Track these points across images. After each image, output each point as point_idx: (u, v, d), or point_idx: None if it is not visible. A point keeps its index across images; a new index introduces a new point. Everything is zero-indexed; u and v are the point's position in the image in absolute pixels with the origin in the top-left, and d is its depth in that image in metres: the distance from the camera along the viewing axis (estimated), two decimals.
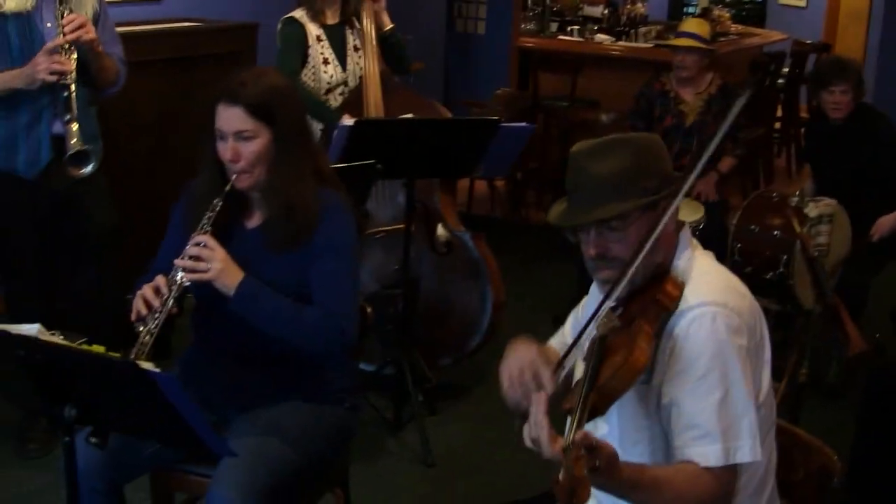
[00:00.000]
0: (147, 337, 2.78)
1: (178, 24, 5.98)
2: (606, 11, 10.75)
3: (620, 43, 9.22)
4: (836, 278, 4.84)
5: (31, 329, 2.38)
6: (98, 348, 2.31)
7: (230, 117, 2.89)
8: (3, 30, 3.98)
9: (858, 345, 4.24)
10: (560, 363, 2.41)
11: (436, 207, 4.85)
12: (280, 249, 2.95)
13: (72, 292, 4.41)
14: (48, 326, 2.45)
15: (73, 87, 3.89)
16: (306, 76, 4.92)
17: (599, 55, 8.79)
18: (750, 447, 2.26)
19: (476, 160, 4.40)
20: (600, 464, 1.98)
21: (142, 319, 2.82)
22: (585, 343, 2.33)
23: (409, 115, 4.51)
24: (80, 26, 3.91)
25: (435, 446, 4.44)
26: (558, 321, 2.93)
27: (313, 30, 4.93)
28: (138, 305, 2.84)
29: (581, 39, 9.40)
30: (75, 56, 3.91)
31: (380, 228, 4.73)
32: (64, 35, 3.88)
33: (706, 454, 2.24)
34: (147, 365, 2.22)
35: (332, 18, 5.00)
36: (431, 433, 4.49)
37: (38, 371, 2.39)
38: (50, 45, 3.88)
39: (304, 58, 4.90)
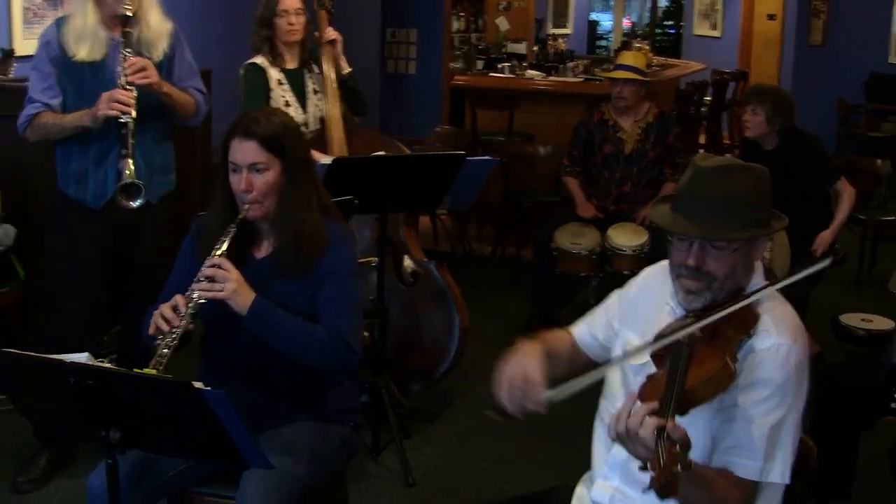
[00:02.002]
0: (165, 350, 2.96)
1: None
2: (536, 48, 11.05)
3: (551, 78, 9.49)
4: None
5: (80, 357, 2.57)
6: (149, 371, 2.50)
7: (245, 150, 3.11)
8: (79, 75, 4.23)
9: (812, 348, 4.50)
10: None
11: (401, 240, 5.08)
12: (289, 275, 3.16)
13: (125, 317, 4.61)
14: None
15: (130, 124, 4.08)
16: None
17: (532, 90, 9.05)
18: (781, 471, 2.47)
19: (444, 193, 4.64)
20: (693, 465, 2.16)
21: (160, 334, 3.02)
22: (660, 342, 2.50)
23: (381, 153, 4.74)
24: (141, 69, 4.12)
25: (414, 467, 4.64)
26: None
27: (274, 74, 5.13)
28: (157, 321, 3.02)
29: (513, 76, 9.66)
30: (134, 95, 4.09)
31: None
32: (125, 77, 4.09)
33: (745, 467, 2.44)
34: (198, 384, 2.41)
35: (291, 63, 5.20)
36: (409, 455, 4.68)
37: (85, 396, 2.55)
38: (114, 91, 4.09)
39: (266, 101, 5.09)
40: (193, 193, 6.15)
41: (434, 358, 5.10)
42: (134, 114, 4.09)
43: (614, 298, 2.97)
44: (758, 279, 2.66)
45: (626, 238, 6.11)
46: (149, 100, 4.22)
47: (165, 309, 3.02)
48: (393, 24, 10.95)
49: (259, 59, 5.14)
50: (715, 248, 2.53)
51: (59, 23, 4.32)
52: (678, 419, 2.22)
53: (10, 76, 5.35)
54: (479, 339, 5.83)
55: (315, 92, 5.23)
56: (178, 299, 3.03)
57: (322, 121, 5.18)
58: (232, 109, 4.96)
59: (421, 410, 5.22)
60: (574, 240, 6.22)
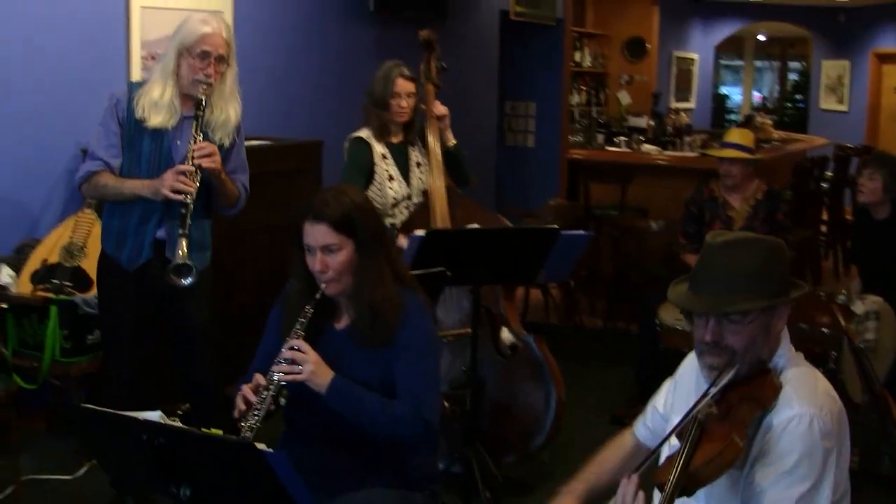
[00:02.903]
0: (248, 432, 3.04)
1: (248, 143, 6.30)
2: (652, 122, 11.02)
3: (667, 152, 9.48)
4: (887, 371, 5.02)
5: (153, 415, 2.67)
6: (216, 432, 2.58)
7: (317, 233, 3.19)
8: (139, 140, 4.36)
9: None
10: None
11: (500, 312, 5.11)
12: (366, 348, 3.22)
13: (192, 392, 4.71)
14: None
15: (190, 206, 4.20)
16: (373, 192, 5.19)
17: (647, 165, 9.04)
18: None
19: (538, 266, 4.67)
20: None
21: (243, 416, 3.10)
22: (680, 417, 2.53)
23: (475, 226, 4.80)
24: (209, 154, 4.26)
25: None
26: (616, 421, 3.12)
27: (379, 148, 5.23)
28: (239, 403, 3.11)
29: (629, 150, 9.66)
30: (199, 177, 4.23)
31: (447, 332, 4.96)
32: (193, 160, 4.22)
33: None
34: (261, 445, 2.48)
35: (396, 137, 5.31)
36: None
37: (157, 454, 2.64)
38: (181, 167, 4.22)
39: (370, 175, 5.20)
40: None
41: (529, 430, 5.10)
42: (194, 196, 4.21)
43: (665, 386, 3.01)
44: (783, 350, 2.66)
45: None
46: (202, 179, 4.31)
47: (247, 390, 3.11)
48: (512, 97, 11.06)
49: (364, 133, 5.25)
50: (731, 321, 2.55)
51: (133, 87, 4.46)
52: (687, 500, 2.22)
53: None
54: (581, 412, 5.80)
55: (418, 165, 5.31)
56: (260, 380, 3.12)
57: (425, 193, 5.26)
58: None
59: (516, 483, 5.20)
60: (679, 315, 6.16)
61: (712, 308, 2.57)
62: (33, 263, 5.27)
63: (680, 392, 2.85)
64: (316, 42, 7.47)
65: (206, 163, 4.24)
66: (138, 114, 4.34)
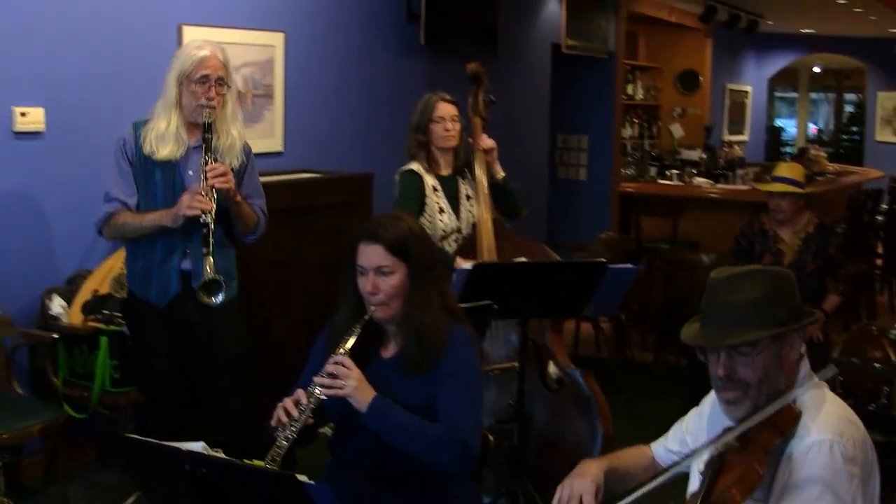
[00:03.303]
0: (284, 442, 3.07)
1: (298, 175, 6.39)
2: (704, 155, 10.99)
3: (719, 186, 9.45)
4: None
5: (196, 446, 2.68)
6: (258, 462, 2.59)
7: (371, 254, 3.21)
8: (151, 175, 4.43)
9: None
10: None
11: (547, 346, 5.09)
12: (410, 374, 3.23)
13: (209, 412, 4.74)
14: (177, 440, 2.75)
15: (211, 224, 4.26)
16: (423, 223, 5.19)
17: (699, 198, 9.01)
18: None
19: (585, 300, 4.65)
20: None
21: (280, 426, 3.11)
22: (704, 455, 2.53)
23: (522, 259, 4.79)
24: (222, 174, 4.31)
25: None
26: None
27: (430, 181, 5.24)
28: (279, 414, 3.13)
29: (681, 183, 9.63)
30: (215, 198, 4.29)
31: (494, 366, 4.94)
32: (206, 179, 4.28)
33: None
34: (303, 477, 2.49)
35: (445, 170, 5.32)
36: None
37: (200, 484, 2.64)
38: (195, 186, 4.29)
39: (421, 207, 5.22)
40: None
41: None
42: (213, 214, 4.26)
43: (691, 415, 3.02)
44: (803, 379, 2.65)
45: None
46: (219, 205, 4.36)
47: (288, 402, 3.13)
48: (563, 129, 11.07)
49: (415, 166, 5.26)
50: (741, 354, 2.55)
51: (138, 125, 4.50)
52: None
53: None
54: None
55: (468, 198, 5.32)
56: (300, 394, 3.14)
57: (474, 226, 5.27)
58: None
59: None
60: None
61: (719, 342, 2.57)
62: (84, 294, 5.33)
63: (707, 425, 2.84)
64: (366, 75, 7.52)
65: (219, 182, 4.29)
66: (146, 149, 4.41)
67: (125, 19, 5.76)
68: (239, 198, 4.46)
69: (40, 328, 5.34)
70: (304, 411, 3.10)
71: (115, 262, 5.39)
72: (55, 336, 5.17)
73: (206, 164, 4.31)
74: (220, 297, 4.33)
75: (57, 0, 5.43)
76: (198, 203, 4.24)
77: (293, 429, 3.08)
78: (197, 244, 4.34)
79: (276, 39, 6.56)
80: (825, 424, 2.50)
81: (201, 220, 4.26)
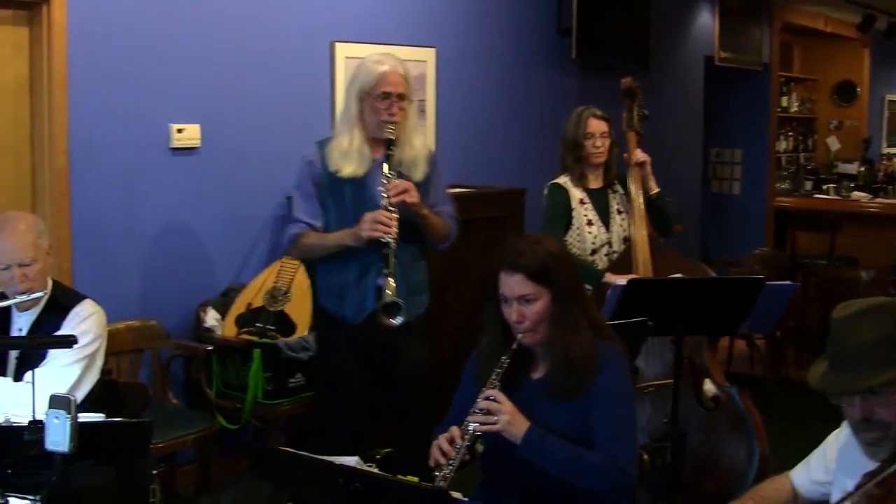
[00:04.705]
0: (442, 482, 3.05)
1: (450, 191, 6.38)
2: (862, 168, 10.73)
3: (878, 200, 9.21)
4: None
5: (350, 460, 2.70)
6: (412, 479, 2.59)
7: (513, 284, 3.18)
8: (340, 192, 4.45)
9: None
10: None
11: (703, 363, 5.00)
12: (561, 398, 3.19)
13: (397, 439, 4.75)
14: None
15: (392, 244, 4.24)
16: (571, 237, 5.18)
17: (857, 212, 8.78)
18: None
19: (742, 317, 4.55)
20: None
21: (438, 466, 3.11)
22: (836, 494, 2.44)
23: (678, 275, 4.72)
24: (404, 191, 4.29)
25: None
26: None
27: (577, 194, 5.22)
28: (435, 454, 3.12)
29: (838, 197, 9.42)
30: (397, 216, 4.26)
31: (648, 383, 4.89)
32: (388, 198, 4.27)
33: None
34: (456, 494, 2.48)
35: (594, 183, 5.29)
36: None
37: (352, 499, 2.64)
38: (378, 213, 4.26)
39: (568, 220, 5.19)
40: None
41: (730, 484, 4.94)
42: (396, 234, 4.23)
43: (832, 441, 2.90)
44: None
45: None
46: (406, 220, 4.34)
47: (443, 441, 3.12)
48: (717, 143, 10.91)
49: (562, 180, 5.25)
50: (877, 394, 2.45)
51: (322, 144, 4.52)
52: None
53: None
54: (781, 469, 5.61)
55: (619, 212, 5.28)
56: (455, 432, 3.13)
57: (626, 241, 5.22)
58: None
59: None
60: None
61: (852, 386, 2.48)
62: (238, 307, 5.43)
63: (851, 454, 2.72)
64: (518, 90, 7.52)
65: (405, 198, 4.27)
66: (332, 167, 4.42)
67: (279, 37, 5.87)
68: (425, 211, 4.44)
69: (195, 340, 5.47)
70: (460, 450, 3.09)
71: (269, 276, 5.48)
72: (209, 348, 5.28)
73: (388, 181, 4.30)
74: (399, 319, 4.31)
75: (211, 18, 5.57)
76: (379, 225, 4.23)
77: (450, 467, 3.07)
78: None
79: (427, 55, 6.60)
80: None
81: (382, 239, 4.25)
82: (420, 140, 4.56)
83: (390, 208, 4.25)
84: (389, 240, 4.24)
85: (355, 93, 4.43)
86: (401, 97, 4.40)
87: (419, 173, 4.50)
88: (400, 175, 4.39)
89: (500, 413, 3.11)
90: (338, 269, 4.50)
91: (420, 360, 4.60)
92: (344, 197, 4.45)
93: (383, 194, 4.28)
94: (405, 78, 4.45)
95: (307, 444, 4.99)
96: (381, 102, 4.37)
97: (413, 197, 4.32)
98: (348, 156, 4.41)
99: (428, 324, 4.70)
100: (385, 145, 4.38)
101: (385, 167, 4.34)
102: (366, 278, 4.43)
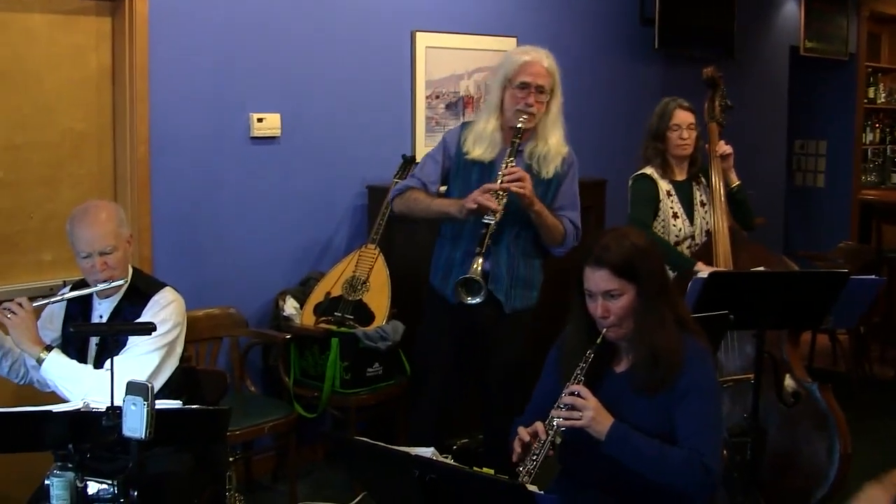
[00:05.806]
0: (525, 477, 3.04)
1: None
2: None
3: None
4: None
5: (426, 451, 2.70)
6: (487, 471, 2.58)
7: (598, 279, 3.15)
8: (469, 174, 4.53)
9: None
10: None
11: (784, 358, 4.92)
12: (646, 393, 3.16)
13: (487, 427, 4.80)
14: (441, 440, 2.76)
15: (491, 226, 4.25)
16: (656, 228, 5.14)
17: None
18: None
19: (825, 312, 4.47)
20: None
21: (521, 461, 3.09)
22: None
23: (761, 269, 4.65)
24: (517, 179, 4.30)
25: None
26: None
27: (663, 185, 5.18)
28: (518, 448, 3.11)
29: None
30: (504, 201, 4.27)
31: (728, 378, 4.82)
32: (501, 181, 4.29)
33: None
34: (532, 488, 2.46)
35: (680, 175, 5.24)
36: None
37: (428, 489, 2.66)
38: (487, 186, 4.29)
39: (654, 211, 5.15)
40: None
41: (811, 482, 4.87)
42: (498, 217, 4.24)
43: None
44: None
45: None
46: (521, 211, 4.36)
47: (525, 435, 3.11)
48: (801, 135, 10.75)
49: (649, 170, 5.20)
50: None
51: (465, 126, 4.62)
52: None
53: None
54: (867, 467, 5.47)
55: (702, 204, 5.22)
56: (539, 427, 3.11)
57: (708, 233, 5.16)
58: (625, 221, 5.07)
59: None
60: None
61: None
62: (317, 296, 5.45)
63: None
64: (600, 80, 7.47)
65: (514, 187, 4.27)
66: (464, 148, 4.51)
67: (359, 27, 5.88)
68: (538, 207, 4.42)
69: (273, 329, 5.50)
70: (544, 446, 3.08)
71: (348, 266, 5.49)
72: (287, 336, 5.31)
73: (506, 166, 4.33)
74: (477, 299, 4.30)
75: (292, 7, 5.59)
76: (483, 199, 4.25)
77: (534, 462, 3.06)
78: (495, 246, 4.40)
79: (508, 45, 6.56)
80: None
81: (484, 219, 4.27)
82: (556, 138, 4.56)
83: (500, 192, 4.26)
84: (489, 220, 4.25)
85: (499, 80, 4.52)
86: (539, 89, 4.45)
87: (550, 170, 4.52)
88: (529, 168, 4.42)
89: (584, 409, 3.10)
90: (451, 243, 4.57)
91: (511, 351, 4.59)
92: (470, 179, 4.51)
93: (500, 176, 4.31)
94: (549, 72, 4.50)
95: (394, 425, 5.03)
96: (520, 91, 4.43)
97: (523, 188, 4.31)
98: (481, 139, 4.49)
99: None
100: (513, 132, 4.42)
101: (508, 151, 4.39)
102: (471, 260, 4.39)
